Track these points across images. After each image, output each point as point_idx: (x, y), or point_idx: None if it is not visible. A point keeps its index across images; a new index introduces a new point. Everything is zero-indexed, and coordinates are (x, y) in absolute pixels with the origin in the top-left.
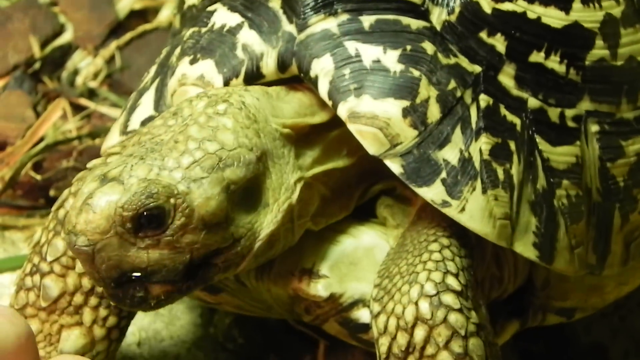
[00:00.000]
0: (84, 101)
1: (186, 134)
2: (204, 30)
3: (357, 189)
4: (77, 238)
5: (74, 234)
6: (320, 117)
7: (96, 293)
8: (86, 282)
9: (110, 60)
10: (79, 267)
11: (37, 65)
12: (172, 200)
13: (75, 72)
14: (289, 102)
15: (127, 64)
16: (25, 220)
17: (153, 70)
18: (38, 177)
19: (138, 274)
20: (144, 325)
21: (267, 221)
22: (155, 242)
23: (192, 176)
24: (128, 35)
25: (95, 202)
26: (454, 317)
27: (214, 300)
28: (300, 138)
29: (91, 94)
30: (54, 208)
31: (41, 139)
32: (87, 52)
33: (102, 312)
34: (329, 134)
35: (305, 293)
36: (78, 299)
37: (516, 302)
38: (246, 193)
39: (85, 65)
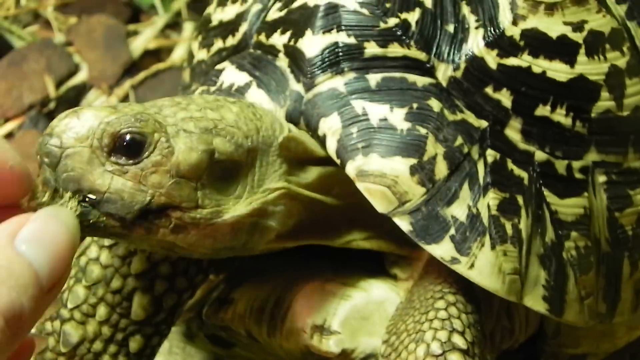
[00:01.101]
0: None
1: (190, 100)
2: (212, 89)
3: (341, 232)
4: (51, 138)
5: (49, 135)
6: (318, 151)
7: (115, 341)
8: (106, 330)
9: (124, 99)
10: (100, 315)
11: (52, 105)
12: (156, 135)
13: None
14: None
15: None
16: None
17: None
18: None
19: (93, 197)
20: None
21: (233, 209)
22: (123, 170)
23: (184, 127)
24: (142, 75)
25: (83, 112)
26: None
27: (227, 354)
28: (298, 160)
29: None
30: (75, 255)
31: None
32: (101, 91)
33: (121, 359)
34: (325, 168)
35: (317, 349)
36: (97, 346)
37: (528, 350)
38: (225, 175)
39: (100, 104)
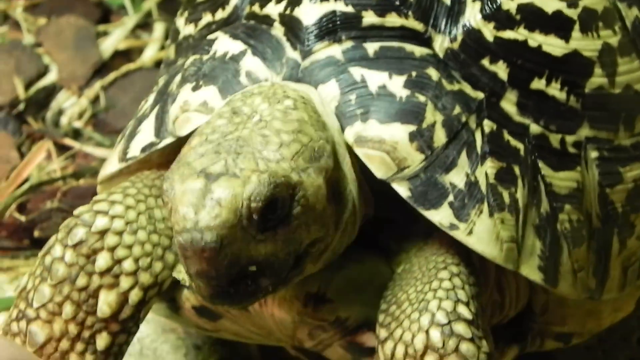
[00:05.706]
0: (68, 141)
1: (272, 127)
2: (205, 57)
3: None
4: (203, 235)
5: (197, 231)
6: None
7: (82, 339)
8: (72, 328)
9: (94, 100)
10: (66, 313)
11: (21, 106)
12: (290, 191)
13: (60, 113)
14: None
15: (111, 104)
16: (9, 261)
17: (152, 98)
18: (22, 218)
19: (254, 269)
20: None
21: (343, 216)
22: (273, 234)
23: (299, 166)
24: (112, 75)
25: (219, 196)
26: (465, 347)
27: (212, 327)
28: None
29: (76, 134)
30: (40, 254)
31: (26, 180)
32: (71, 92)
33: (88, 357)
34: None
35: (312, 316)
36: (64, 344)
37: (515, 327)
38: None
39: (70, 106)
